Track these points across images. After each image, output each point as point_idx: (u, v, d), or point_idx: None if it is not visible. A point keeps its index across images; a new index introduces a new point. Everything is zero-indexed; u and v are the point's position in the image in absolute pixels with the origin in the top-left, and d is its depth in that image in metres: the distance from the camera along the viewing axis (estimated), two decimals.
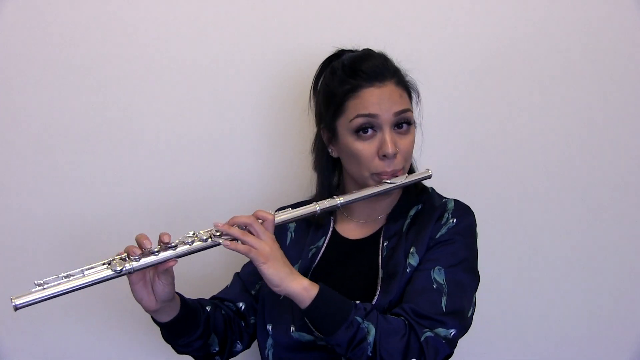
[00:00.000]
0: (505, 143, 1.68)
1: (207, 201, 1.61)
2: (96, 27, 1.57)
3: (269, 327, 1.29)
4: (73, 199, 1.61)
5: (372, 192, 1.27)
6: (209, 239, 1.14)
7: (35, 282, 1.04)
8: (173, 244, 1.12)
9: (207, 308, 1.31)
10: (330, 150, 1.35)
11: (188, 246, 1.13)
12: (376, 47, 1.34)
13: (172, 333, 1.25)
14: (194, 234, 1.14)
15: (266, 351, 1.30)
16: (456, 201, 1.34)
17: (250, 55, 1.62)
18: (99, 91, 1.59)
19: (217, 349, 1.33)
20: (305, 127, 1.56)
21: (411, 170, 1.35)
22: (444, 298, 1.19)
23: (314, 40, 1.57)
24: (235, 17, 1.60)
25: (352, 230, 1.37)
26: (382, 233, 1.32)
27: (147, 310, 1.17)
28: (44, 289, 1.03)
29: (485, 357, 1.70)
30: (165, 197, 1.61)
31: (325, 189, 1.38)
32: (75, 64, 1.58)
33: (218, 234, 1.14)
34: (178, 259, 1.13)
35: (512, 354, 1.73)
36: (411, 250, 1.26)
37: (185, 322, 1.24)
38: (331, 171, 1.39)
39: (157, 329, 1.26)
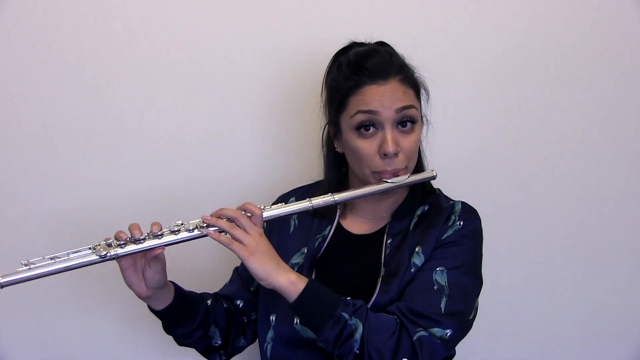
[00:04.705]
0: (513, 144, 1.66)
1: (207, 197, 1.61)
2: (104, 27, 1.56)
3: (272, 318, 1.28)
4: (72, 195, 1.61)
5: (371, 190, 1.24)
6: (196, 230, 1.14)
7: (22, 261, 1.06)
8: (159, 233, 1.12)
9: (207, 301, 1.32)
10: (335, 146, 1.33)
11: (174, 235, 1.13)
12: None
13: (169, 322, 1.26)
14: (181, 224, 1.14)
15: (265, 345, 1.28)
16: (463, 203, 1.31)
17: (252, 52, 1.60)
18: (105, 89, 1.59)
19: (219, 342, 1.32)
20: (307, 122, 1.54)
21: (420, 169, 1.32)
22: (444, 299, 1.17)
23: (318, 37, 1.56)
24: (239, 14, 1.58)
25: (356, 225, 1.34)
26: (387, 230, 1.29)
27: (138, 296, 1.18)
28: (29, 269, 1.06)
29: (487, 357, 1.67)
30: (166, 194, 1.61)
31: (331, 184, 1.35)
32: (73, 61, 1.57)
33: (205, 225, 1.14)
34: (165, 247, 1.13)
35: (514, 354, 1.71)
36: (416, 249, 1.23)
37: (180, 310, 1.24)
38: (336, 166, 1.36)
39: (156, 326, 1.27)
